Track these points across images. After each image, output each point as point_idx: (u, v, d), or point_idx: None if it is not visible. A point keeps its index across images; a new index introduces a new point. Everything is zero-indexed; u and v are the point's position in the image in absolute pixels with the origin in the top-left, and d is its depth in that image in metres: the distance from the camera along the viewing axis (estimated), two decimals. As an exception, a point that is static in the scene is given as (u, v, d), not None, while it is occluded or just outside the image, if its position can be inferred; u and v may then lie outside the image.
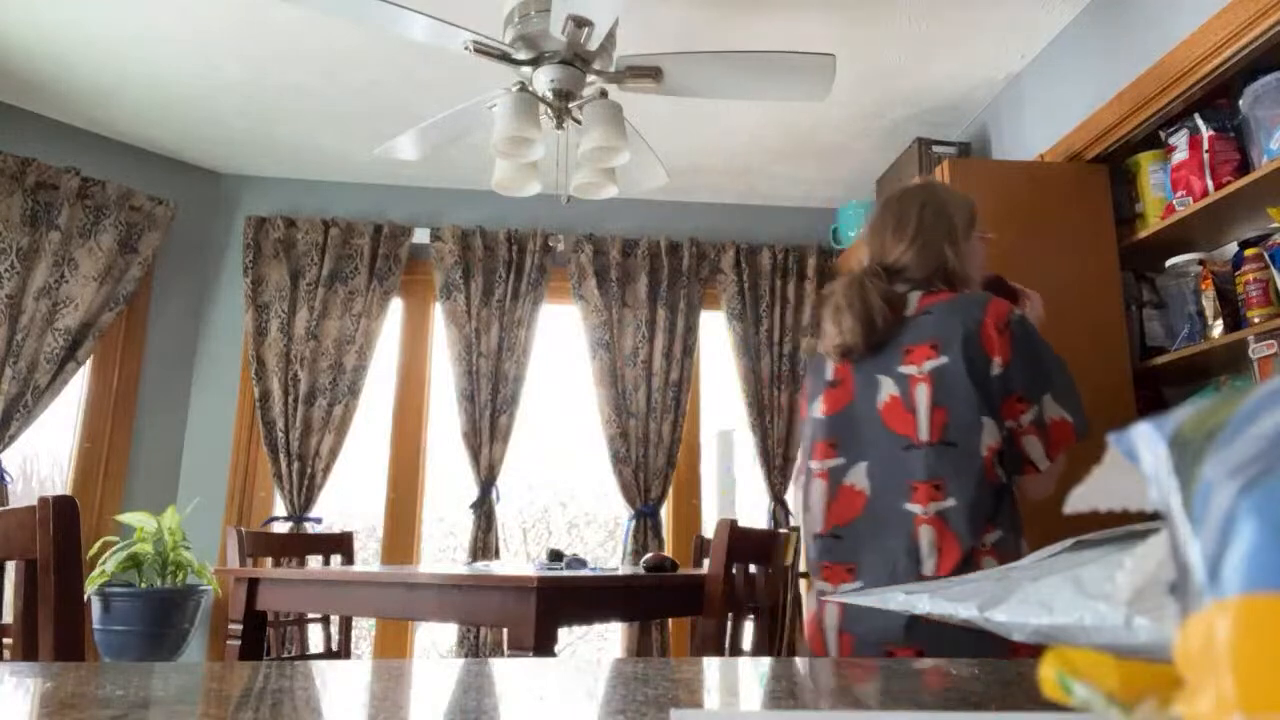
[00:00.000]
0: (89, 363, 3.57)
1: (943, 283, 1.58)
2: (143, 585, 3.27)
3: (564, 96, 2.30)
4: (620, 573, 2.21)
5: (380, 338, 3.87)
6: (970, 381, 1.43)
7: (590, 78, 2.35)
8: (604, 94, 2.40)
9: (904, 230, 1.61)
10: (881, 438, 1.49)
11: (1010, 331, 1.46)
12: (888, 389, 1.51)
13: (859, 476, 1.51)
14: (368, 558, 4.21)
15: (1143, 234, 2.62)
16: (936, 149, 3.31)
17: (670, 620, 3.76)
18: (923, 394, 1.46)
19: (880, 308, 1.53)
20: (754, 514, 4.03)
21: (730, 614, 2.10)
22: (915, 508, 1.43)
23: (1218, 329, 2.40)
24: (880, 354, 1.53)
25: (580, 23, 2.09)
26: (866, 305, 1.53)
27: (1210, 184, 2.39)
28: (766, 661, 0.62)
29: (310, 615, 2.89)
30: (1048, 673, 0.32)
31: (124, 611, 3.16)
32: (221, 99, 3.37)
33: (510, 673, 0.54)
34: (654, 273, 4.03)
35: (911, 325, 1.52)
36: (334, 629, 2.88)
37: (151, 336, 3.75)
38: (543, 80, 2.29)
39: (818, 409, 1.61)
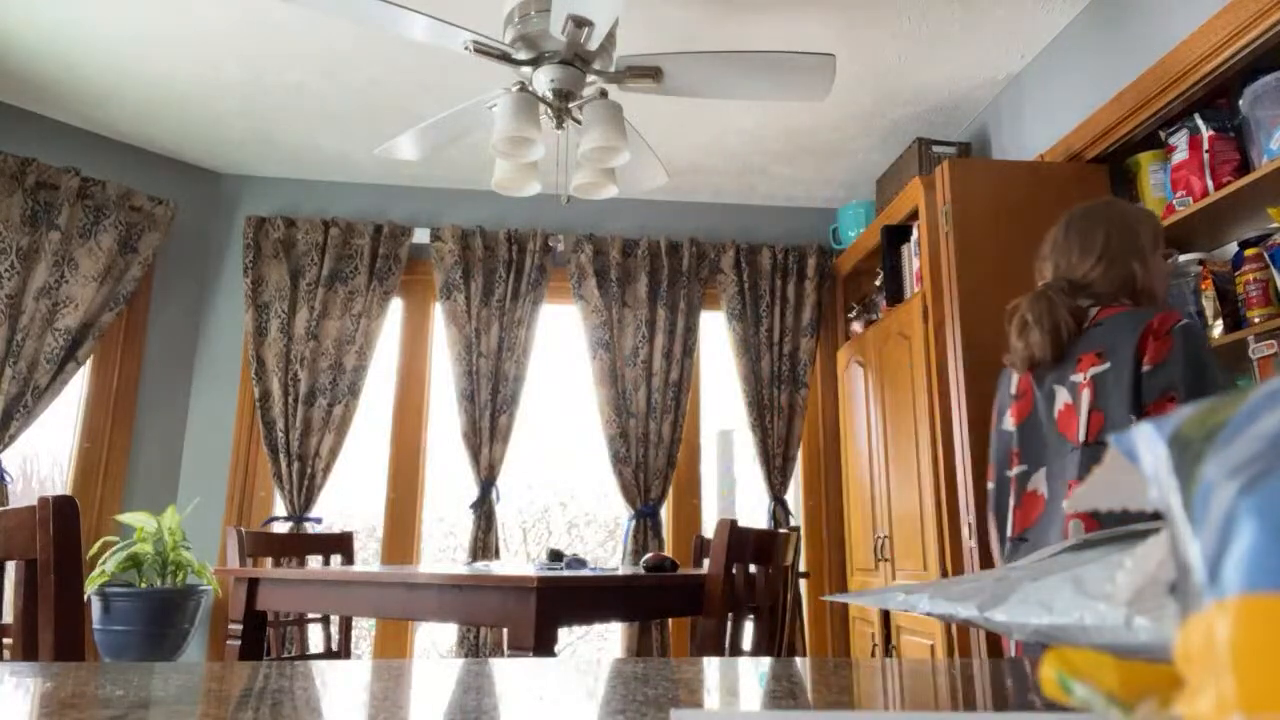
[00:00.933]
0: (89, 363, 3.57)
1: (1128, 298, 1.66)
2: (143, 585, 3.27)
3: (564, 96, 2.30)
4: (620, 573, 2.21)
5: (380, 338, 3.87)
6: (1124, 383, 1.50)
7: (590, 78, 2.35)
8: (604, 94, 2.40)
9: (1090, 249, 1.70)
10: (1056, 443, 1.59)
11: (1171, 336, 1.51)
12: (1062, 397, 1.60)
13: (1040, 482, 1.60)
14: (368, 558, 4.21)
15: (1143, 234, 2.62)
16: (936, 149, 3.31)
17: (670, 620, 3.76)
18: (1085, 398, 1.56)
19: (1067, 321, 1.62)
20: (754, 514, 4.03)
21: (730, 614, 2.10)
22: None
23: (1218, 329, 2.40)
24: (1059, 365, 1.63)
25: (580, 23, 2.09)
26: (1055, 320, 1.63)
27: (1210, 184, 2.39)
28: (766, 661, 0.62)
29: (310, 615, 2.89)
30: (1048, 673, 0.32)
31: (124, 611, 3.16)
32: (221, 99, 3.37)
33: (510, 673, 0.54)
34: (654, 273, 4.03)
35: (1086, 336, 1.61)
36: (334, 629, 2.88)
37: (151, 336, 3.74)
38: (543, 80, 2.29)
39: (1008, 421, 1.71)
